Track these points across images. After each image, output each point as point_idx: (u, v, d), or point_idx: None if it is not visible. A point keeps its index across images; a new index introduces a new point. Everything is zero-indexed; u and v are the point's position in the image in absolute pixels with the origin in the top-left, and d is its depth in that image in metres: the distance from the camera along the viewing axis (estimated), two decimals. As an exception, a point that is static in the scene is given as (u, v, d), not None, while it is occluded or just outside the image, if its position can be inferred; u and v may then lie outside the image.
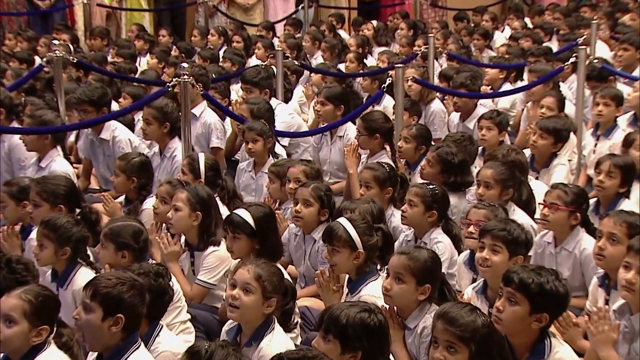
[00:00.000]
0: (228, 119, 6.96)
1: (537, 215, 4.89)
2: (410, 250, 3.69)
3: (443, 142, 5.89)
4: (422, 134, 5.93)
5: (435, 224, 4.62)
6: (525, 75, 7.98)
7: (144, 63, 9.90)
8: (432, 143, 6.00)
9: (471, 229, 4.27)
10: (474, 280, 4.22)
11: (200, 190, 4.61)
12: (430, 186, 4.66)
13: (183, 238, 4.64)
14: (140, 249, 4.14)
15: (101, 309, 3.20)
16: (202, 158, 5.39)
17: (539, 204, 4.68)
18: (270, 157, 5.89)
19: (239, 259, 4.21)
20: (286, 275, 3.89)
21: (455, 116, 7.22)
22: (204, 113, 6.66)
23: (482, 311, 3.20)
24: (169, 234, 4.59)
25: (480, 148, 6.08)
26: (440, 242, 4.55)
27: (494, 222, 3.99)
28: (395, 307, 3.67)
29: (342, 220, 4.07)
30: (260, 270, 3.51)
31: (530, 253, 4.52)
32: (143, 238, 4.17)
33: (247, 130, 5.89)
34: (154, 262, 4.26)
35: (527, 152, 5.92)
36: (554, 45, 9.95)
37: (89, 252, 4.30)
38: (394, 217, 5.02)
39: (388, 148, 6.11)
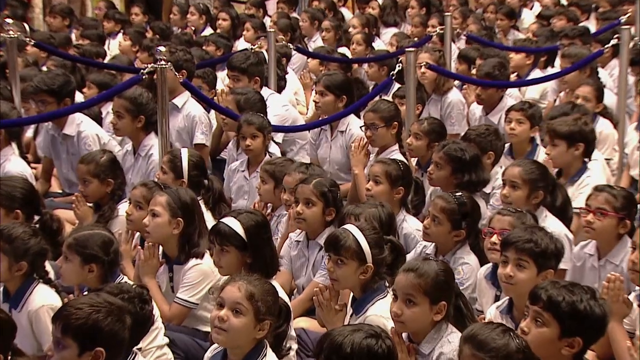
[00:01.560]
0: (213, 112, 6.97)
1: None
2: (417, 265, 3.65)
3: (461, 138, 5.90)
4: (435, 129, 5.94)
5: (462, 241, 4.63)
6: (558, 61, 8.00)
7: (113, 46, 9.92)
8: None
9: (494, 238, 4.27)
10: (497, 298, 4.23)
11: (183, 194, 4.63)
12: (459, 198, 4.63)
13: (160, 249, 4.64)
14: (110, 262, 4.16)
15: (76, 345, 3.19)
16: (185, 154, 5.42)
17: (581, 209, 4.68)
18: (267, 156, 5.93)
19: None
20: (281, 294, 3.90)
21: (477, 108, 7.24)
22: (187, 104, 6.67)
23: (516, 333, 3.18)
24: (151, 245, 4.59)
25: (507, 145, 6.09)
26: (466, 263, 4.55)
27: (517, 231, 3.97)
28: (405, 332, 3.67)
29: (351, 227, 4.06)
30: (253, 288, 3.50)
31: (566, 267, 4.55)
32: (113, 249, 4.18)
33: (246, 124, 5.92)
34: (125, 278, 4.27)
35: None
36: (592, 25, 9.97)
37: (47, 267, 4.30)
38: (406, 222, 5.05)
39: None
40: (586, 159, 5.53)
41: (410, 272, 3.61)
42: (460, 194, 4.69)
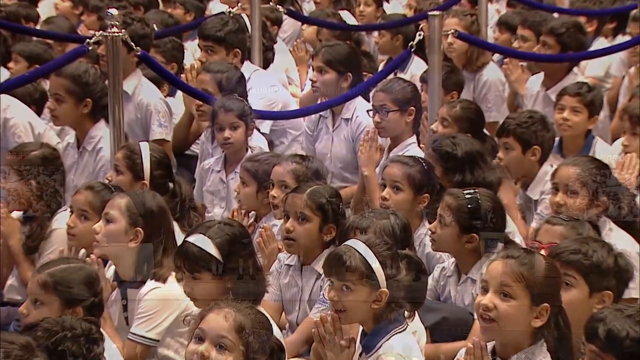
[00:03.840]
0: (179, 95, 7.00)
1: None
2: (518, 253, 3.70)
3: (497, 129, 5.93)
4: (470, 115, 6.03)
5: (479, 250, 4.68)
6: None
7: (49, 7, 9.95)
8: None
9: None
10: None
11: (149, 199, 4.67)
12: (472, 195, 4.71)
13: (112, 269, 4.68)
14: (98, 304, 4.16)
15: None
16: (145, 149, 5.47)
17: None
18: (249, 151, 5.98)
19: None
20: (274, 327, 3.94)
21: (536, 81, 7.21)
22: (139, 89, 6.68)
23: None
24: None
25: (557, 139, 6.13)
26: None
27: (565, 242, 4.03)
28: None
29: (357, 244, 4.06)
30: (243, 318, 3.55)
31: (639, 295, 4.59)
32: (100, 287, 4.22)
33: (223, 111, 5.97)
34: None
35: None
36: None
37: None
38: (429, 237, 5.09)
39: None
40: None
41: (510, 259, 3.69)
42: (475, 190, 4.76)
